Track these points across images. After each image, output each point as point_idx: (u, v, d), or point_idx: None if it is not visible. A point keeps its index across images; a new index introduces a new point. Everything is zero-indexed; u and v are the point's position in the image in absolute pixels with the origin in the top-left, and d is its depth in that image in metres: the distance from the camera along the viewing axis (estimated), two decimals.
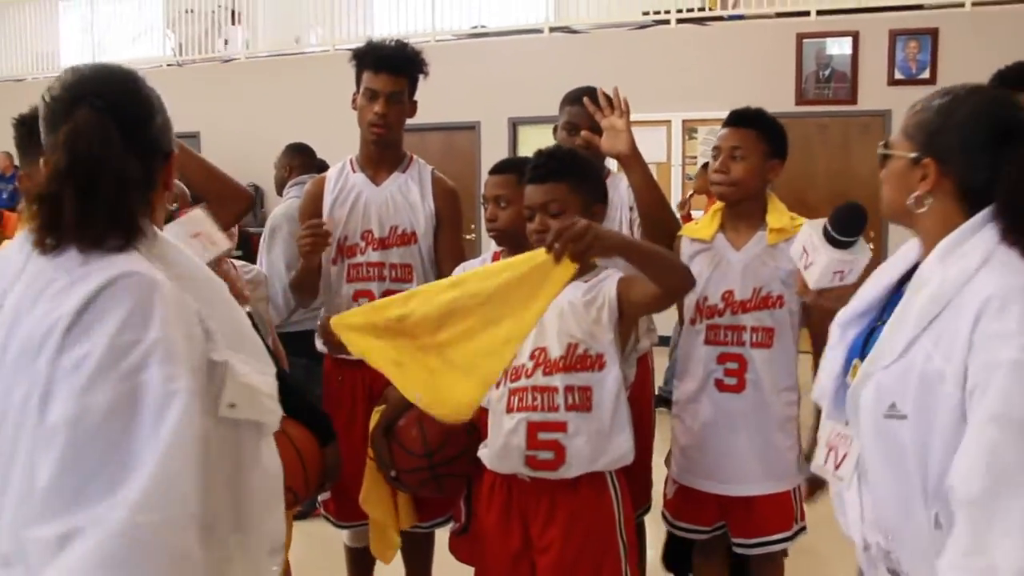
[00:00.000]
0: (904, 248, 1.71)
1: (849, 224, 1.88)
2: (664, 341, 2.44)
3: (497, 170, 2.52)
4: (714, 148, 2.60)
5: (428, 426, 2.37)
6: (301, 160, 5.03)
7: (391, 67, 2.76)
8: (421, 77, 2.86)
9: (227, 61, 11.67)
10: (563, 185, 2.18)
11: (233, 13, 11.88)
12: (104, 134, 1.24)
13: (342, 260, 2.86)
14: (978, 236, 1.46)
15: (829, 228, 1.89)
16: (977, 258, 1.43)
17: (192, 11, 11.97)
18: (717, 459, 2.56)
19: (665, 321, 3.14)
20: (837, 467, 1.66)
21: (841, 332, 1.73)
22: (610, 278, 2.19)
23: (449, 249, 2.91)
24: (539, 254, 1.92)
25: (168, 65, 11.94)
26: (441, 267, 2.86)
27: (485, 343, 1.94)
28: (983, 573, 1.28)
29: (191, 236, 1.59)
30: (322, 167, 4.91)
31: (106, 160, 1.23)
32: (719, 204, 2.65)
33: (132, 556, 1.08)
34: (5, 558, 1.20)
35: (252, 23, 11.94)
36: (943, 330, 1.42)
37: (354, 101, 2.86)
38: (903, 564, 1.51)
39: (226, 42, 11.32)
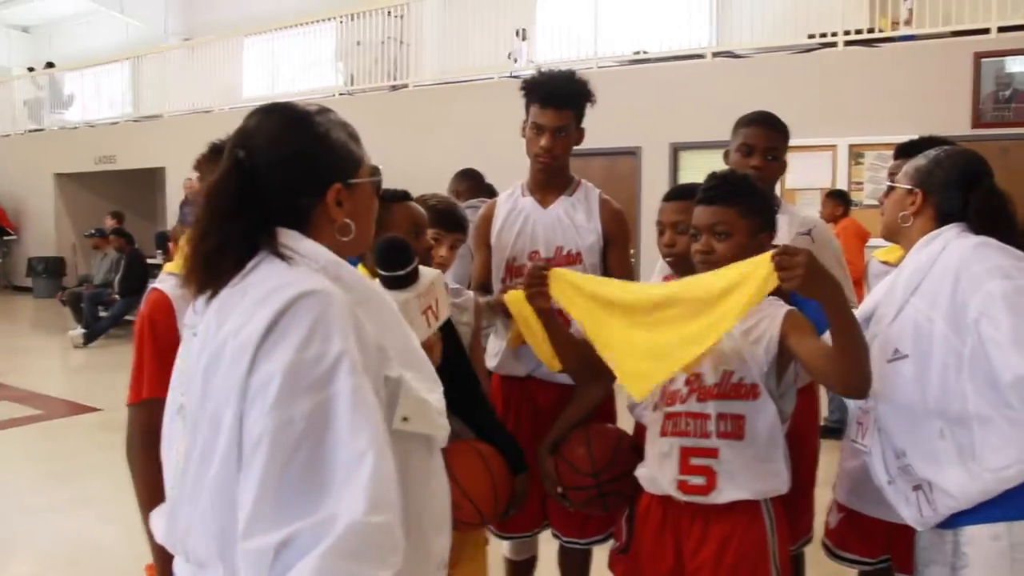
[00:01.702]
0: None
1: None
2: None
3: (674, 196, 2.55)
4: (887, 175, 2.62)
5: (595, 444, 2.41)
6: (468, 185, 5.18)
7: (557, 102, 2.85)
8: (588, 104, 2.93)
9: (395, 88, 12.12)
10: (733, 209, 2.18)
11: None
12: (227, 187, 1.39)
13: (510, 279, 2.97)
14: (941, 236, 2.12)
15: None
16: (940, 246, 2.08)
17: (360, 43, 12.54)
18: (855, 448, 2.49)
19: None
20: (864, 436, 2.23)
21: None
22: (775, 310, 2.16)
23: (619, 266, 2.98)
24: (760, 261, 1.95)
25: (340, 94, 12.53)
26: None
27: (688, 333, 2.04)
28: None
29: (421, 312, 1.69)
30: (491, 191, 5.06)
31: (221, 212, 1.37)
32: None
33: (369, 552, 1.17)
34: (200, 562, 1.32)
35: (419, 51, 12.37)
36: (925, 291, 2.05)
37: (523, 128, 2.96)
38: (917, 470, 2.03)
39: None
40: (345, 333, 1.26)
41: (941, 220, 2.17)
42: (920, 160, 2.26)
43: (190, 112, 14.41)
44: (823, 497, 2.83)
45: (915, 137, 2.65)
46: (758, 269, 1.94)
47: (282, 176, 1.41)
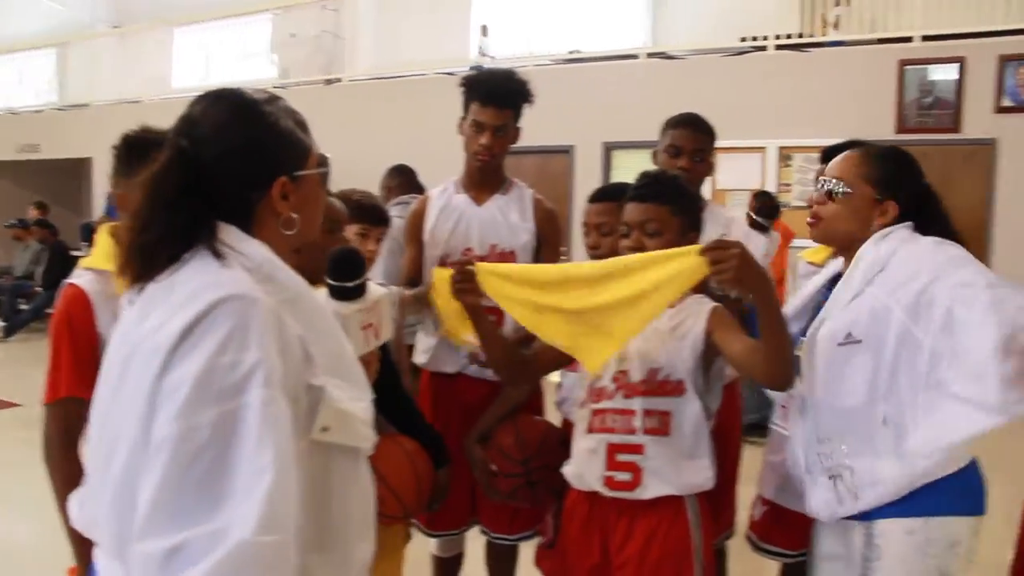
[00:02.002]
0: (831, 265, 2.35)
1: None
2: None
3: (597, 198, 2.58)
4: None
5: (524, 432, 2.43)
6: (400, 181, 5.15)
7: (498, 101, 2.88)
8: (526, 104, 2.96)
9: (329, 83, 12.02)
10: (665, 208, 2.22)
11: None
12: (168, 178, 1.33)
13: None
14: (895, 234, 2.11)
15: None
16: (895, 242, 2.08)
17: (295, 35, 12.40)
18: (775, 431, 2.55)
19: None
20: (787, 420, 2.29)
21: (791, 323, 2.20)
22: (700, 308, 2.20)
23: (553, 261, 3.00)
24: (688, 251, 1.99)
25: (274, 87, 12.38)
26: None
27: (627, 304, 2.06)
28: None
29: (361, 327, 1.64)
30: (422, 188, 5.05)
31: (163, 203, 1.32)
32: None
33: (256, 571, 1.12)
34: (108, 554, 1.30)
35: (354, 45, 12.28)
36: (884, 281, 2.04)
37: (460, 126, 2.97)
38: (845, 457, 2.04)
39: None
40: (264, 342, 1.21)
41: (898, 220, 2.16)
42: (863, 165, 2.19)
43: (118, 102, 14.07)
44: (744, 493, 2.89)
45: (841, 141, 2.70)
46: (686, 257, 1.98)
47: (228, 168, 1.35)
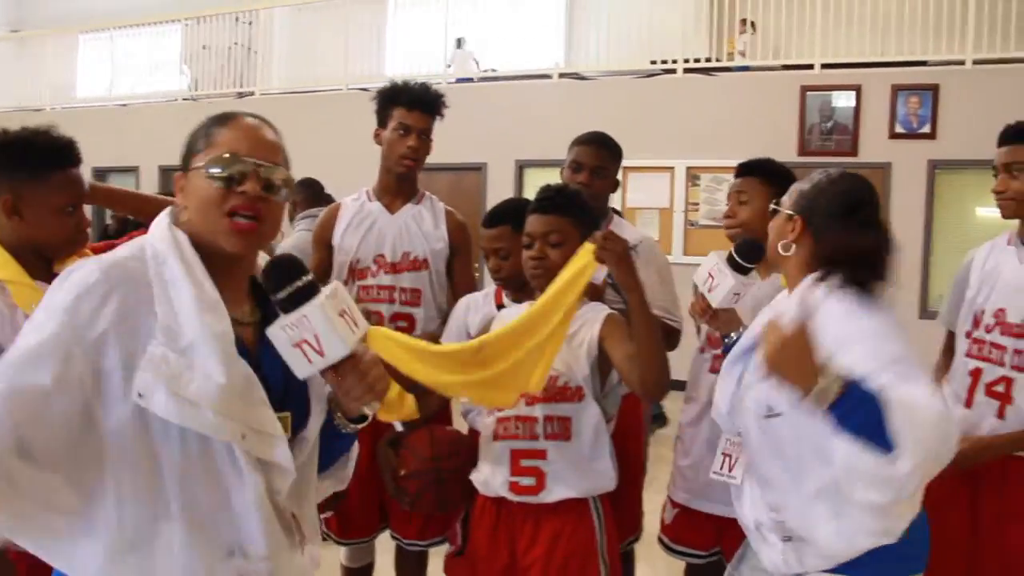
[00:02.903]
0: (778, 297, 2.20)
1: (751, 253, 2.29)
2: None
3: (492, 223, 2.61)
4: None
5: (436, 433, 2.45)
6: (306, 195, 5.12)
7: (425, 106, 2.97)
8: (439, 137, 3.06)
9: (241, 96, 11.86)
10: (566, 219, 2.29)
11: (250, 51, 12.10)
12: None
13: (353, 282, 3.01)
14: (821, 288, 1.96)
15: (735, 256, 2.32)
16: (819, 297, 1.94)
17: (206, 47, 12.22)
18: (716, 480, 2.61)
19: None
20: (731, 469, 2.21)
21: (731, 366, 2.13)
22: (595, 315, 2.28)
23: (463, 275, 3.11)
24: (580, 255, 2.09)
25: (184, 99, 12.15)
26: (456, 292, 3.05)
27: (521, 357, 2.09)
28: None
29: (339, 314, 1.51)
30: (329, 201, 5.00)
31: None
32: None
33: None
34: None
35: (267, 59, 12.15)
36: None
37: (377, 135, 3.03)
38: (792, 527, 1.96)
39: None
40: (89, 293, 1.38)
41: (819, 252, 2.04)
42: (804, 184, 2.14)
43: (17, 109, 13.61)
44: (650, 500, 2.96)
45: (751, 159, 2.82)
46: (577, 263, 2.07)
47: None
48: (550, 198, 2.33)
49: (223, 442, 1.43)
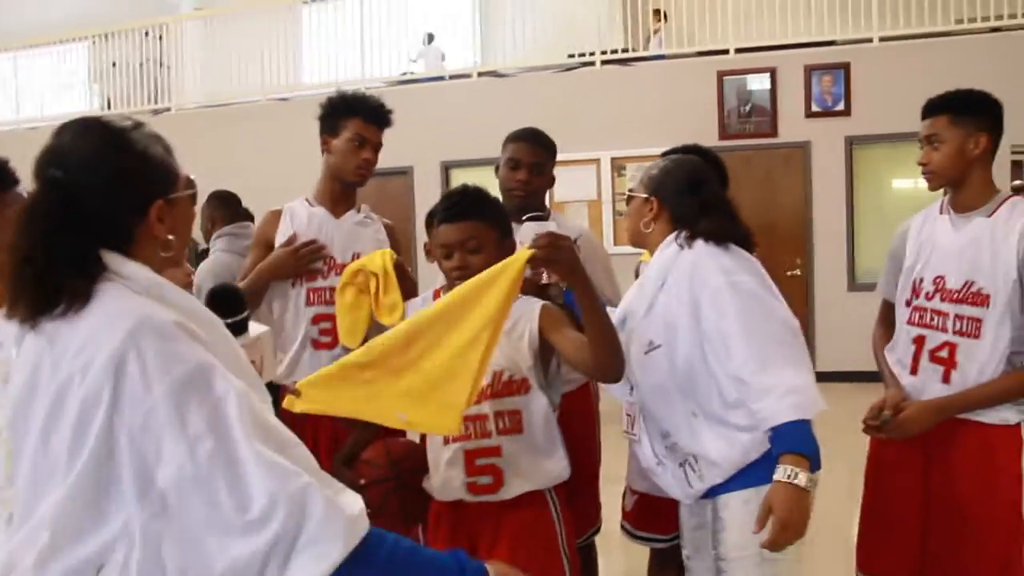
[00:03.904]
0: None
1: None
2: None
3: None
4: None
5: (392, 445, 2.43)
6: (224, 212, 4.78)
7: (382, 120, 3.01)
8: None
9: (157, 113, 11.61)
10: (479, 223, 2.27)
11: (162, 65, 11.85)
12: (47, 210, 1.35)
13: (301, 284, 2.96)
14: (673, 242, 2.33)
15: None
16: (677, 248, 2.30)
17: (116, 64, 11.92)
18: (626, 438, 2.65)
19: None
20: (632, 427, 2.45)
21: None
22: (530, 307, 2.27)
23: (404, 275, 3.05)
24: (510, 261, 2.03)
25: None
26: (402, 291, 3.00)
27: (456, 343, 2.03)
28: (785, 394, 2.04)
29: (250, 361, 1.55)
30: (248, 216, 4.85)
31: (43, 235, 1.33)
32: None
33: None
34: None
35: (180, 74, 11.92)
36: (670, 288, 2.27)
37: (326, 143, 3.00)
38: (683, 447, 2.27)
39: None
40: (192, 344, 1.29)
41: (676, 223, 2.37)
42: (652, 170, 2.47)
43: None
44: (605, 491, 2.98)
45: (677, 146, 2.84)
46: (509, 269, 2.02)
47: (105, 195, 1.37)
48: (457, 204, 2.30)
49: None
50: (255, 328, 1.73)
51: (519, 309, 2.25)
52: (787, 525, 2.00)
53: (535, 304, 2.28)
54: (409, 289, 2.92)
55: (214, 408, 1.25)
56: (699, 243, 2.28)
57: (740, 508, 2.17)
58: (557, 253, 1.98)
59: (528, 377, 2.24)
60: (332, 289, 2.91)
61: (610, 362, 2.09)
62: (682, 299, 2.24)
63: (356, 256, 2.96)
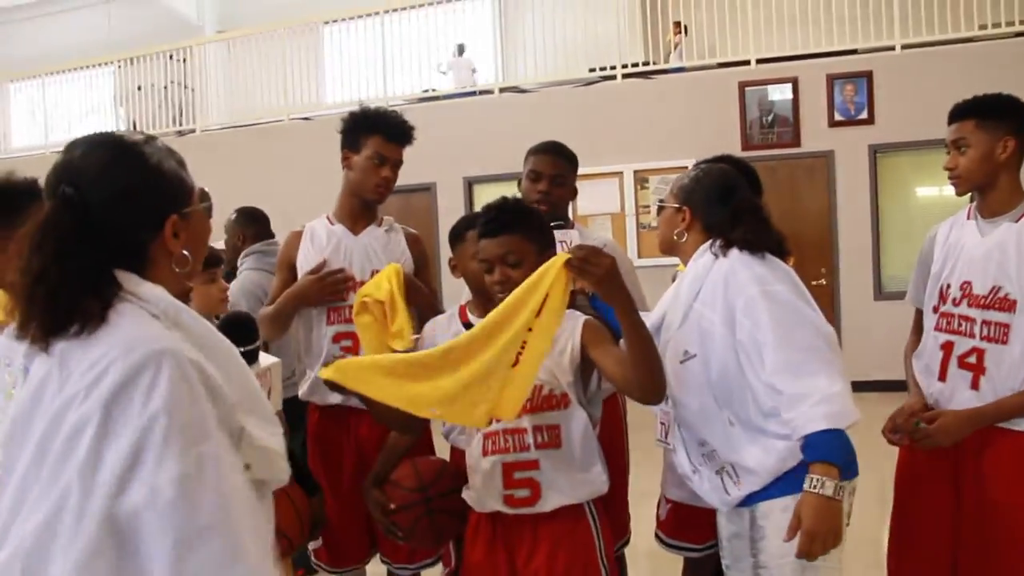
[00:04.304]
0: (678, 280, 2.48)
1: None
2: None
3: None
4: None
5: (421, 465, 2.43)
6: (256, 229, 4.64)
7: (403, 138, 3.00)
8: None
9: (181, 134, 11.74)
10: (517, 236, 2.26)
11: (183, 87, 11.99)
12: (60, 227, 1.31)
13: (323, 304, 2.96)
14: (708, 250, 2.35)
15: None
16: (713, 256, 2.32)
17: (141, 88, 12.08)
18: (659, 446, 2.64)
19: None
20: (666, 436, 2.47)
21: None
22: (573, 322, 2.26)
23: (428, 286, 3.10)
24: (547, 270, 2.01)
25: None
26: (421, 307, 3.01)
27: (494, 347, 2.02)
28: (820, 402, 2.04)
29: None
30: (273, 235, 4.81)
31: (56, 252, 1.29)
32: None
33: None
34: None
35: (204, 95, 12.05)
36: (705, 297, 2.28)
37: (346, 159, 3.00)
38: (720, 455, 2.27)
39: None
40: (200, 393, 1.25)
41: (709, 231, 2.39)
42: (683, 179, 2.48)
43: None
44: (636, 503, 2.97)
45: (708, 158, 2.82)
46: (547, 276, 2.00)
47: (119, 211, 1.34)
48: (495, 219, 2.29)
49: (268, 487, 1.45)
50: (265, 359, 1.74)
51: (562, 323, 2.24)
52: (815, 535, 1.99)
53: (578, 319, 2.27)
54: (423, 300, 2.94)
55: (198, 461, 1.20)
56: (733, 252, 2.29)
57: (779, 516, 2.16)
58: (594, 265, 1.96)
59: (568, 392, 2.23)
60: (351, 307, 2.92)
61: (651, 381, 2.07)
62: (716, 308, 2.25)
63: (375, 273, 2.97)
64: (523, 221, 2.29)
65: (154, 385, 1.20)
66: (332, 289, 2.91)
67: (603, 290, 2.00)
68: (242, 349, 1.55)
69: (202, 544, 1.17)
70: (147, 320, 1.30)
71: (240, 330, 1.61)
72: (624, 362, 2.09)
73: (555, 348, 2.21)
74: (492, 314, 2.09)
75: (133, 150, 1.40)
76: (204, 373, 1.27)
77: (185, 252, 1.43)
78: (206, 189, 1.52)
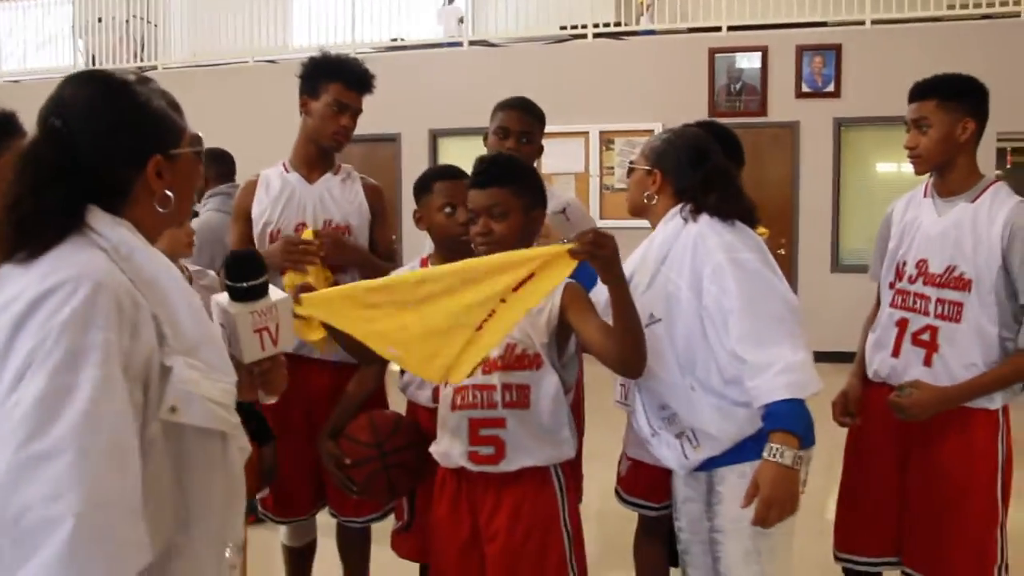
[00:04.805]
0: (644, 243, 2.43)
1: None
2: None
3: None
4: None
5: (377, 419, 2.42)
6: (218, 169, 4.59)
7: (363, 86, 2.94)
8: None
9: (142, 70, 11.47)
10: (507, 189, 2.24)
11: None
12: (43, 157, 1.34)
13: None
14: (677, 215, 2.33)
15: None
16: (682, 220, 2.30)
17: (102, 20, 11.76)
18: (618, 407, 2.65)
19: None
20: (625, 397, 2.45)
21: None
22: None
23: (383, 239, 3.09)
24: (549, 250, 1.98)
25: None
26: (378, 254, 3.03)
27: (464, 300, 2.01)
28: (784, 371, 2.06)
29: (253, 329, 1.54)
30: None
31: (36, 182, 1.32)
32: None
33: (87, 550, 1.14)
34: None
35: (167, 31, 11.78)
36: (672, 261, 2.27)
37: (304, 104, 2.95)
38: (681, 419, 2.27)
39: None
40: (108, 323, 1.23)
41: (679, 195, 2.36)
42: (655, 141, 2.44)
43: None
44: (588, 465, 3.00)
45: (664, 124, 2.83)
46: (551, 264, 1.97)
47: (102, 146, 1.37)
48: (486, 170, 2.28)
49: (227, 438, 1.44)
50: (276, 294, 1.69)
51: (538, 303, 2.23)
52: (771, 503, 2.02)
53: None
54: (355, 259, 2.93)
55: (65, 387, 1.17)
56: (703, 217, 2.28)
57: (736, 482, 2.19)
58: (600, 250, 1.94)
59: (541, 353, 2.21)
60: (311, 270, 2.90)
61: (635, 358, 2.09)
62: (683, 274, 2.24)
63: (328, 223, 2.93)
64: (514, 176, 2.28)
65: (61, 307, 1.21)
66: (297, 260, 2.83)
67: (605, 271, 1.98)
68: (248, 284, 1.57)
69: (38, 467, 1.14)
70: (89, 252, 1.31)
71: (245, 266, 1.59)
72: (606, 333, 2.08)
73: (532, 309, 2.20)
74: (475, 262, 2.09)
75: (123, 88, 1.42)
76: (134, 308, 1.27)
77: (169, 193, 1.43)
78: (199, 134, 1.53)
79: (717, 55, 8.97)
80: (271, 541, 3.29)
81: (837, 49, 8.66)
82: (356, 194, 3.03)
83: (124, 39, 11.67)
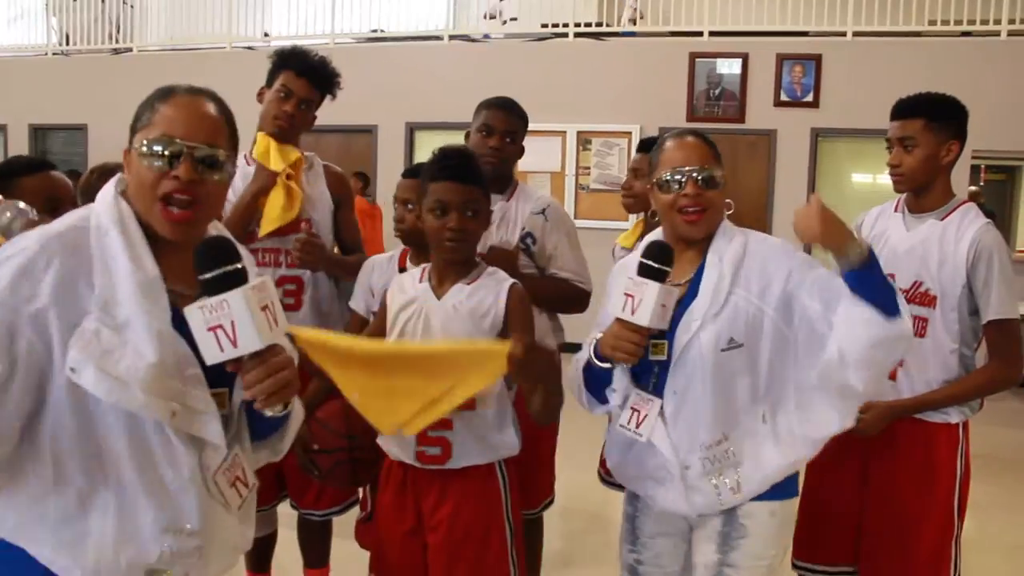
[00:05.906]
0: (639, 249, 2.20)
1: (662, 254, 2.03)
2: (572, 348, 2.42)
3: (411, 174, 2.62)
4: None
5: (352, 410, 2.40)
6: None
7: (312, 75, 2.91)
8: (328, 99, 3.00)
9: (117, 52, 11.32)
10: (479, 188, 2.24)
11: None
12: None
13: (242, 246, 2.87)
14: (740, 230, 2.23)
15: (648, 262, 2.01)
16: (743, 238, 2.19)
17: None
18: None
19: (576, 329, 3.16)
20: (639, 425, 2.16)
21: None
22: (498, 284, 2.25)
23: (347, 226, 3.09)
24: (493, 350, 1.98)
25: (53, 54, 11.52)
26: (343, 245, 3.06)
27: (427, 386, 2.04)
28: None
29: (260, 308, 1.42)
30: None
31: None
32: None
33: None
34: None
35: (144, 12, 11.62)
36: (747, 282, 2.11)
37: (260, 95, 2.96)
38: (736, 453, 2.12)
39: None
40: (28, 272, 1.40)
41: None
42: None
43: None
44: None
45: (642, 126, 2.82)
46: (490, 357, 1.98)
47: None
48: (463, 165, 2.25)
49: (154, 421, 1.46)
50: (234, 291, 1.60)
51: (485, 283, 2.23)
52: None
53: (503, 282, 2.25)
54: (326, 265, 2.93)
55: None
56: (772, 237, 2.26)
57: (766, 519, 2.15)
58: (533, 367, 1.96)
59: None
60: (267, 250, 2.90)
61: (547, 418, 2.17)
62: (768, 296, 2.11)
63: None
64: (481, 175, 2.28)
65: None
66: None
67: (535, 383, 2.05)
68: (227, 269, 1.44)
69: None
70: (69, 224, 1.48)
71: (213, 252, 1.49)
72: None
73: (478, 309, 2.20)
74: (434, 350, 2.13)
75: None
76: (76, 272, 1.43)
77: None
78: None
79: (698, 60, 8.99)
80: None
81: (817, 59, 8.70)
82: (319, 184, 3.02)
83: (99, 19, 11.50)
